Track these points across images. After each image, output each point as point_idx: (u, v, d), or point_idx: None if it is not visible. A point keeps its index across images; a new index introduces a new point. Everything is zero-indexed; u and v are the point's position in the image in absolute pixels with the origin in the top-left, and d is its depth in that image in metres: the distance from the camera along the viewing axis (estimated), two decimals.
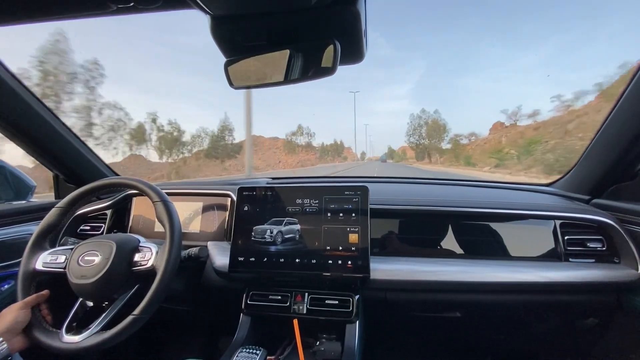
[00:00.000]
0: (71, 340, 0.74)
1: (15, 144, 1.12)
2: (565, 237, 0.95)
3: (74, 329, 0.77)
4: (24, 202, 1.24)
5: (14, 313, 0.73)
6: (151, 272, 0.79)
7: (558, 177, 1.25)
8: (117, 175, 1.42)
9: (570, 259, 0.94)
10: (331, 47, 0.61)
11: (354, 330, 0.87)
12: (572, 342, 1.08)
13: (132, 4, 0.57)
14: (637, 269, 0.86)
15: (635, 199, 0.96)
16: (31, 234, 0.88)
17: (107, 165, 1.38)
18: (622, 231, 0.90)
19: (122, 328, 0.73)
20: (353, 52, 0.65)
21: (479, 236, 1.04)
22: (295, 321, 0.80)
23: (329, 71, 0.64)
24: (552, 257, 0.96)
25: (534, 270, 0.90)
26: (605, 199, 1.02)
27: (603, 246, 0.93)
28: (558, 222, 0.97)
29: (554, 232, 0.97)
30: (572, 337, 1.05)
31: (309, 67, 0.67)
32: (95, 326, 0.76)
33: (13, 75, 0.97)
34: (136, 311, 0.74)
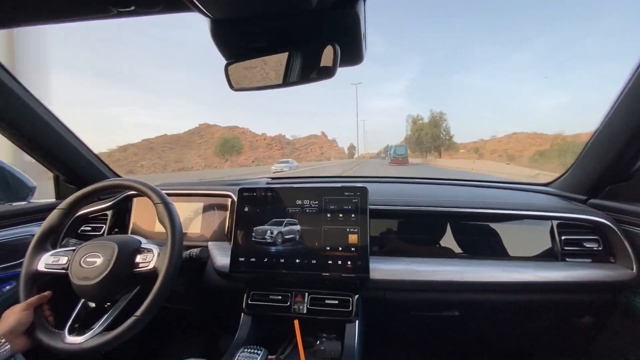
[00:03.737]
0: (74, 341, 0.75)
1: (15, 145, 1.12)
2: (562, 237, 0.96)
3: (76, 330, 0.78)
4: (24, 203, 1.24)
5: (17, 314, 0.74)
6: (153, 274, 0.79)
7: (556, 176, 1.26)
8: (118, 176, 1.42)
9: (567, 259, 0.95)
10: (331, 49, 0.62)
11: (354, 330, 0.88)
12: (568, 340, 1.09)
13: (132, 8, 0.57)
14: (633, 269, 0.87)
15: (630, 199, 0.97)
16: (33, 235, 0.88)
17: (107, 166, 1.38)
18: (617, 231, 0.91)
19: (125, 329, 0.73)
20: (352, 54, 0.65)
21: (478, 236, 1.05)
22: (296, 322, 0.81)
23: (329, 73, 0.65)
24: (549, 256, 0.98)
25: (531, 270, 0.91)
26: (602, 199, 1.03)
27: (599, 246, 0.94)
28: (555, 222, 0.98)
29: (551, 232, 0.98)
30: (568, 335, 1.06)
31: (308, 69, 0.68)
32: (97, 327, 0.76)
33: (12, 77, 0.97)
34: (138, 312, 0.75)
